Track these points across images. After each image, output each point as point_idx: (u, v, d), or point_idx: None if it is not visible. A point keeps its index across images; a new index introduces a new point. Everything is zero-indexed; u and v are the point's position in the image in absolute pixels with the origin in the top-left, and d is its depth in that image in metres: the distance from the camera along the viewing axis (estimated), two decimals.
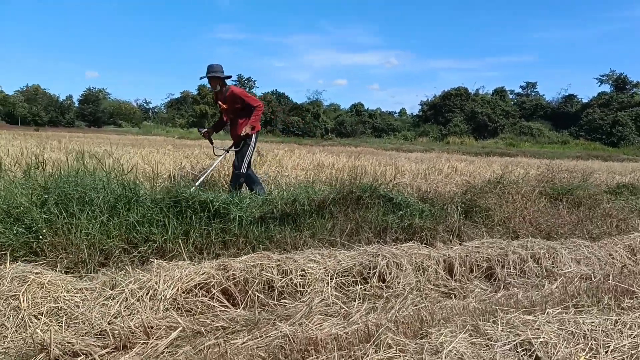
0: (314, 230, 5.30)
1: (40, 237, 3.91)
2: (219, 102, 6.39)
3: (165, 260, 4.40)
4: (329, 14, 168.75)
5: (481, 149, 38.46)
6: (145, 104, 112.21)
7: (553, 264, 4.87)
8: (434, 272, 4.39)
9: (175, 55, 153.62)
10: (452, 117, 62.70)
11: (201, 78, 6.17)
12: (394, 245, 4.82)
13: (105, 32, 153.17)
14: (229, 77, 6.31)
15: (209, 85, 6.40)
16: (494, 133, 59.02)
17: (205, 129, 6.57)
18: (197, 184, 5.74)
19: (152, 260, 3.89)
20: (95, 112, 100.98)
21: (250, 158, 6.34)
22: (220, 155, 6.39)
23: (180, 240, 4.48)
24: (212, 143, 6.56)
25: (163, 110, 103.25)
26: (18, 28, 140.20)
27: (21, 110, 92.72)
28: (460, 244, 5.27)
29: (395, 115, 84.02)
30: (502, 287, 4.37)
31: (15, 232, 3.88)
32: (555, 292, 4.17)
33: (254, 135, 6.29)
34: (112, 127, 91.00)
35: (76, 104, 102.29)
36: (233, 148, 6.34)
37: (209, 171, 6.38)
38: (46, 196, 4.17)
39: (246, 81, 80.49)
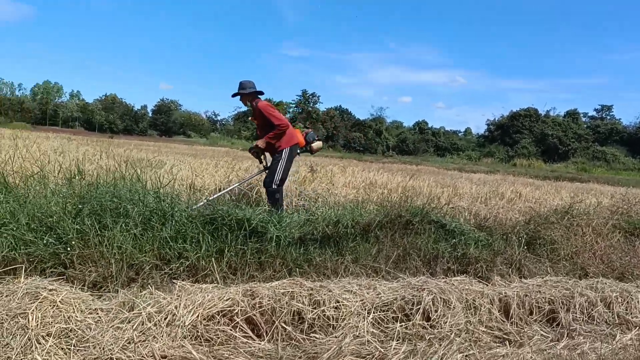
0: (357, 254, 4.94)
1: (69, 248, 3.79)
2: (252, 118, 6.18)
3: (197, 278, 4.21)
4: (395, 32, 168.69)
5: (550, 172, 36.59)
6: (213, 116, 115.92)
7: (627, 310, 4.27)
8: (487, 312, 3.91)
9: (244, 70, 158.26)
10: (520, 138, 60.44)
11: (232, 96, 5.99)
12: (443, 278, 4.37)
13: (179, 47, 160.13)
14: (260, 92, 6.03)
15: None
16: (564, 157, 56.32)
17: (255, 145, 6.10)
18: (210, 198, 5.53)
19: (175, 281, 3.67)
20: (166, 122, 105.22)
21: (283, 175, 5.87)
22: (255, 173, 6.15)
23: (213, 259, 4.26)
24: (260, 160, 6.19)
25: (230, 122, 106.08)
26: (100, 39, 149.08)
27: (99, 117, 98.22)
28: (519, 280, 4.75)
29: (459, 134, 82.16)
30: (565, 335, 3.82)
31: (45, 242, 3.78)
32: (629, 345, 3.59)
33: (286, 150, 5.89)
34: (181, 137, 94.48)
35: (150, 114, 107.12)
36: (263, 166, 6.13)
37: (228, 189, 6.17)
38: (80, 206, 4.07)
39: (310, 96, 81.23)
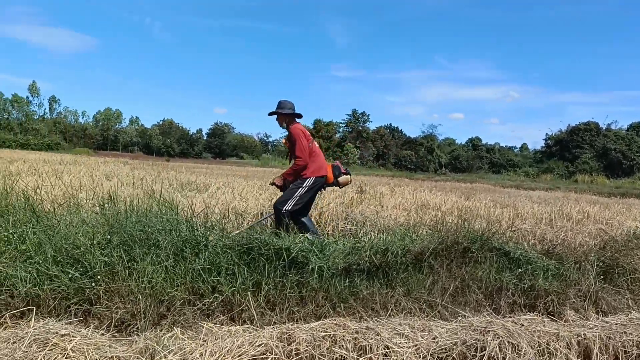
0: (408, 287, 4.45)
1: (94, 283, 3.51)
2: (283, 140, 5.82)
3: (233, 315, 3.86)
4: (444, 49, 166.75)
5: (615, 189, 34.47)
6: (265, 138, 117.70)
7: None
8: (564, 358, 3.32)
9: (293, 93, 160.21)
10: (580, 153, 57.79)
11: (269, 114, 5.64)
12: (510, 317, 3.82)
13: (233, 72, 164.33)
14: (298, 115, 5.62)
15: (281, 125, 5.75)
16: (629, 172, 53.28)
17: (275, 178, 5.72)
18: (245, 227, 5.20)
19: (203, 322, 3.31)
20: (220, 145, 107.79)
21: (298, 203, 5.36)
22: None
23: (249, 293, 3.89)
24: (282, 189, 5.70)
25: (281, 143, 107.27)
26: (158, 67, 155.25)
27: (156, 142, 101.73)
28: (598, 318, 4.11)
29: (515, 150, 79.52)
30: None
31: (70, 276, 3.52)
32: None
33: (310, 180, 5.44)
34: (234, 158, 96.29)
35: (204, 137, 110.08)
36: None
37: (259, 220, 5.81)
38: (109, 236, 3.80)
39: (360, 115, 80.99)
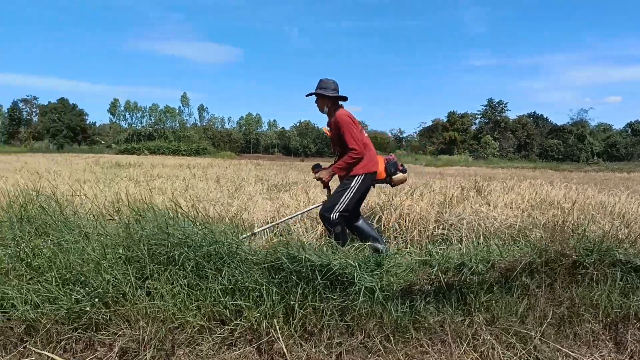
0: (492, 313, 3.44)
1: (91, 306, 3.09)
2: (325, 129, 4.84)
3: (260, 345, 3.21)
4: (593, 27, 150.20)
5: None
6: (399, 134, 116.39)
7: None
8: None
9: (428, 85, 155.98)
10: None
11: (307, 95, 4.72)
12: None
13: (366, 70, 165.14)
14: (343, 98, 4.68)
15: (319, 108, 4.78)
16: None
17: (322, 168, 4.79)
18: (256, 230, 4.43)
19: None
20: None
21: (348, 206, 4.47)
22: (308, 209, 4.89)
23: (276, 321, 3.20)
24: (327, 187, 4.86)
25: (415, 138, 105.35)
26: (294, 71, 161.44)
27: (294, 143, 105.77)
28: None
29: None
30: None
31: (74, 297, 3.13)
32: None
33: (359, 177, 4.53)
34: None
35: None
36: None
37: (285, 219, 5.00)
38: (121, 250, 3.37)
39: (497, 105, 76.01)
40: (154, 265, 3.34)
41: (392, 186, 4.95)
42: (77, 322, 3.09)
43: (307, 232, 5.53)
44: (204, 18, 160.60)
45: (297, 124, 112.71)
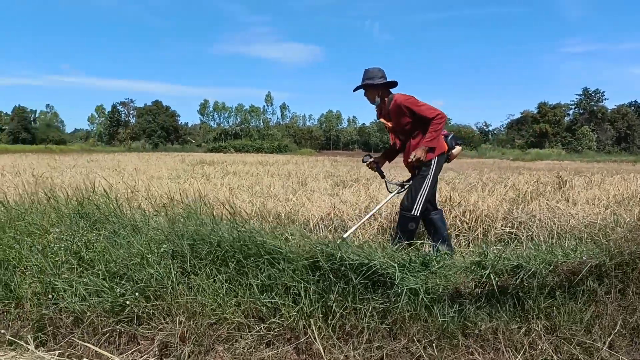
0: (553, 320, 3.13)
1: (129, 301, 3.14)
2: (382, 120, 4.58)
3: (299, 344, 3.12)
4: None
5: None
6: (484, 127, 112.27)
7: None
8: None
9: (516, 75, 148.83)
10: None
11: (355, 90, 4.50)
12: None
13: (448, 62, 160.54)
14: (392, 83, 4.42)
15: (370, 100, 4.57)
16: None
17: (372, 159, 4.68)
18: (345, 235, 4.19)
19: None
20: None
21: (428, 196, 4.28)
22: (393, 193, 4.59)
23: (312, 321, 3.09)
24: (383, 176, 4.71)
25: (502, 131, 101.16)
26: (376, 65, 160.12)
27: (374, 139, 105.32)
28: None
29: None
30: None
31: (119, 291, 3.21)
32: None
33: (433, 161, 4.28)
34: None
35: None
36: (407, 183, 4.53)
37: (365, 218, 4.68)
38: (165, 246, 3.41)
39: (593, 94, 70.86)
40: (195, 261, 3.35)
41: (448, 162, 4.69)
42: (120, 315, 3.17)
43: (363, 227, 5.39)
44: (287, 20, 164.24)
45: (377, 120, 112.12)
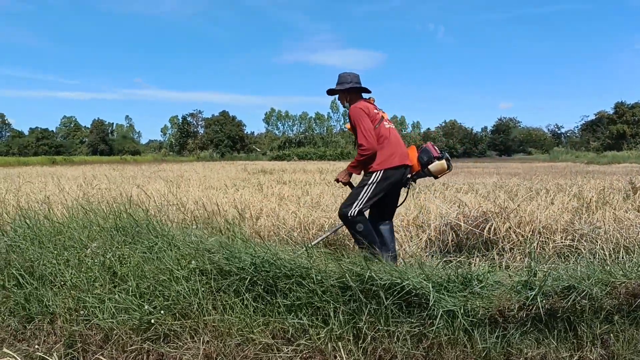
0: (610, 349, 2.80)
1: (159, 317, 3.10)
2: (347, 126, 4.46)
3: None
4: None
5: None
6: (556, 129, 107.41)
7: None
8: None
9: (590, 74, 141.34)
10: None
11: (328, 93, 4.49)
12: None
13: (517, 63, 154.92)
14: (364, 90, 4.38)
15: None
16: None
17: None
18: (313, 243, 4.08)
19: None
20: (505, 141, 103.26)
21: (366, 204, 4.15)
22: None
23: (343, 342, 2.93)
24: (352, 187, 4.51)
25: (576, 134, 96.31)
26: (441, 69, 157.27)
27: (439, 143, 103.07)
28: None
29: None
30: None
31: (145, 308, 3.18)
32: None
33: (377, 174, 4.14)
34: (521, 154, 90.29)
35: (489, 135, 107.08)
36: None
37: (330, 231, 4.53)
38: (193, 263, 3.35)
39: None
40: (222, 279, 3.27)
41: (435, 178, 4.44)
42: (147, 332, 3.13)
43: (411, 240, 5.16)
44: (348, 26, 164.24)
45: (443, 124, 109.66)
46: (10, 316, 3.44)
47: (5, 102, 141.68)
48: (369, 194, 4.13)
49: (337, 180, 4.40)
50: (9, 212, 4.72)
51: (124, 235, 3.82)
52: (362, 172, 4.31)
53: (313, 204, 6.95)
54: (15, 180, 13.05)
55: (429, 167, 4.29)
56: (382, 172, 4.14)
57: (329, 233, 4.86)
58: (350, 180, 4.46)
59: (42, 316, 3.31)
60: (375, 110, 4.28)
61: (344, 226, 4.36)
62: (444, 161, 4.30)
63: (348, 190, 4.52)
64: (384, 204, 4.32)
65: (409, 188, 4.49)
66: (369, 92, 4.41)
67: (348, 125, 4.43)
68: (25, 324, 3.41)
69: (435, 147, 4.36)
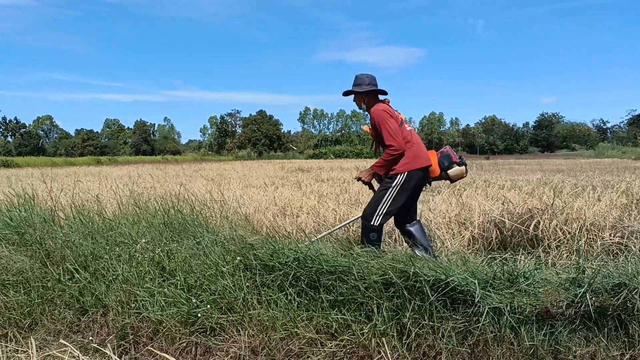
0: None
1: (205, 311, 3.18)
2: (365, 127, 4.47)
3: None
4: None
5: None
6: (602, 124, 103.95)
7: None
8: None
9: (635, 68, 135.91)
10: None
11: (344, 94, 4.42)
12: None
13: (561, 58, 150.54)
14: (380, 91, 4.31)
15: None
16: None
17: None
18: (314, 239, 4.11)
19: None
20: (548, 137, 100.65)
21: (390, 208, 4.08)
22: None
23: (387, 338, 2.94)
24: (372, 188, 4.48)
25: (623, 129, 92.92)
26: (481, 65, 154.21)
27: (479, 140, 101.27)
28: None
29: None
30: None
31: (194, 302, 3.27)
32: None
33: (402, 176, 4.08)
34: (564, 151, 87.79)
35: (531, 130, 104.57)
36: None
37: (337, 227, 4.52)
38: (238, 259, 3.43)
39: None
40: (266, 275, 3.34)
41: (451, 182, 4.37)
42: (194, 325, 3.22)
43: (453, 237, 5.12)
44: (386, 23, 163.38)
45: (482, 120, 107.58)
46: (65, 309, 3.59)
47: (54, 105, 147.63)
48: (393, 197, 4.08)
49: (359, 179, 4.35)
50: (64, 209, 4.92)
51: (171, 231, 3.94)
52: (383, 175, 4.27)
53: (352, 201, 6.97)
54: (65, 180, 13.56)
55: (449, 171, 4.27)
56: (406, 174, 4.11)
57: (338, 227, 4.91)
58: (371, 182, 4.43)
59: (96, 309, 3.45)
60: (396, 113, 4.28)
61: (354, 223, 4.38)
62: (463, 167, 4.29)
63: None
64: (407, 204, 4.27)
65: (425, 189, 4.49)
66: (385, 93, 4.38)
67: (366, 127, 4.47)
68: (80, 316, 3.56)
69: (454, 152, 4.34)
